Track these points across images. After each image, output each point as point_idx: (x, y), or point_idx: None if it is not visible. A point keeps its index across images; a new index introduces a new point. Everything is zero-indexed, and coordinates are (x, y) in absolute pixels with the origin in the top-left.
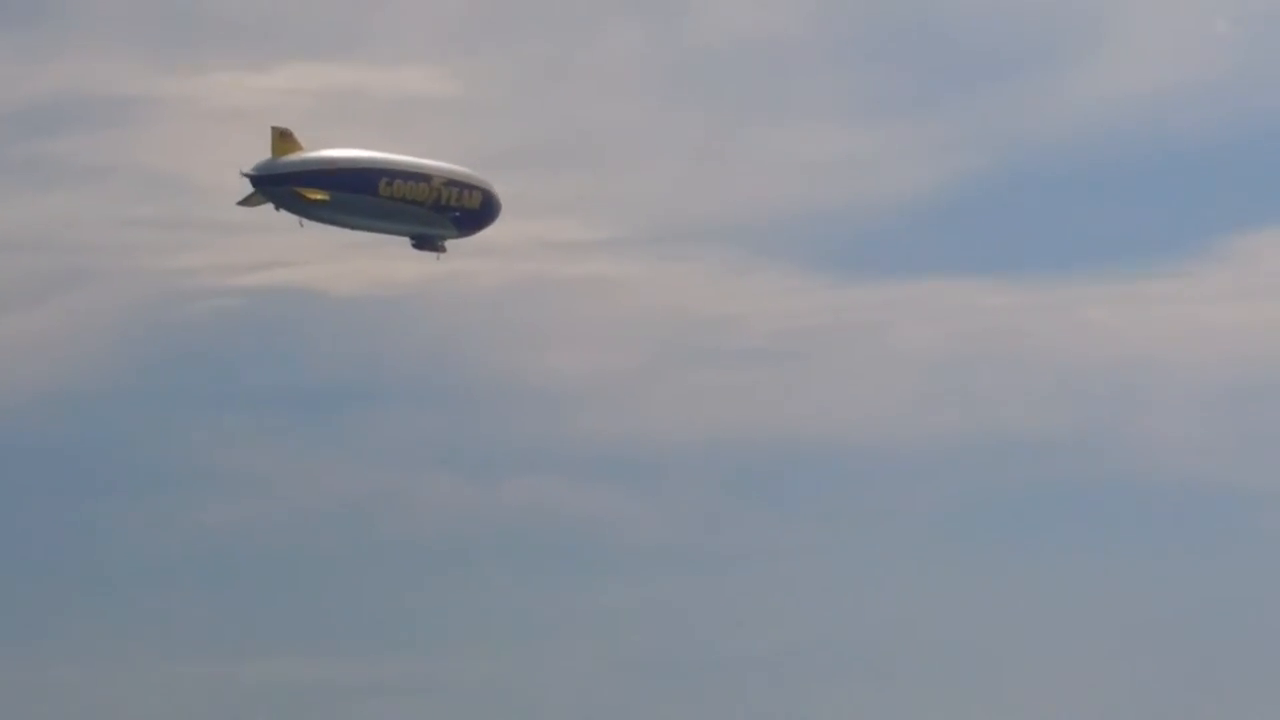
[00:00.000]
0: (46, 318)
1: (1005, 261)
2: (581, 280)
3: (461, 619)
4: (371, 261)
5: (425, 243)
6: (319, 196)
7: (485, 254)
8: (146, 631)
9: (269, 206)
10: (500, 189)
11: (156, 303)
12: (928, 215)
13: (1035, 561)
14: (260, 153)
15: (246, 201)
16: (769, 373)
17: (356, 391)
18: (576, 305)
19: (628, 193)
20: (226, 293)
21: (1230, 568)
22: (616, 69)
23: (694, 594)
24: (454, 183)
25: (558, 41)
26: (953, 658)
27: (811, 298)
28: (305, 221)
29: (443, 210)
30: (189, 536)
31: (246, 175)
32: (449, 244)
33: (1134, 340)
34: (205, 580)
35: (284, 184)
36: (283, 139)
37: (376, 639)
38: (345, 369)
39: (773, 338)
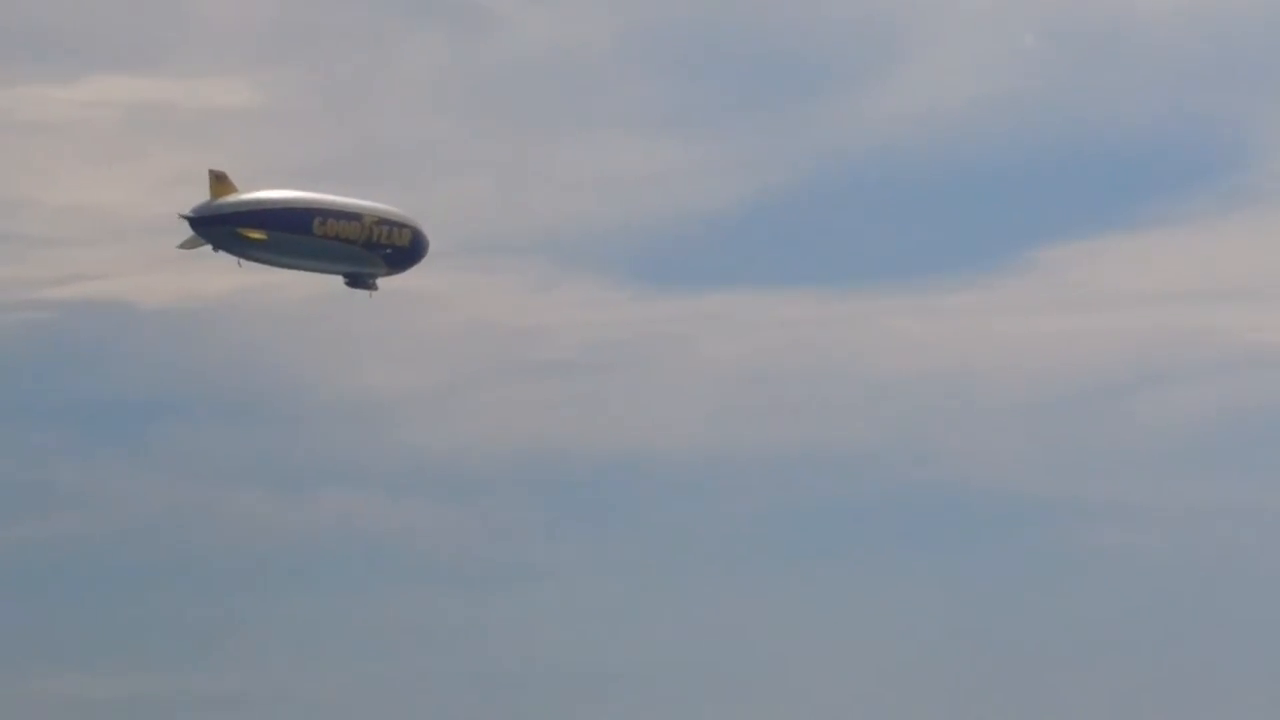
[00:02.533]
0: None
1: (811, 274)
2: (391, 293)
3: (275, 632)
4: (179, 275)
5: (358, 281)
6: (258, 236)
7: None
8: None
9: (207, 248)
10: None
11: None
12: (733, 228)
13: (842, 572)
14: (68, 165)
15: (186, 244)
16: (578, 385)
17: (166, 405)
18: (386, 318)
19: (434, 207)
20: (34, 305)
21: (1031, 577)
22: (420, 83)
23: (508, 607)
24: (384, 221)
25: (362, 56)
26: (766, 668)
27: (619, 310)
28: (243, 261)
29: (374, 248)
30: None
31: (185, 217)
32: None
33: (939, 352)
34: (13, 595)
35: (223, 225)
36: (219, 181)
37: (189, 653)
38: (155, 382)
39: (581, 350)
